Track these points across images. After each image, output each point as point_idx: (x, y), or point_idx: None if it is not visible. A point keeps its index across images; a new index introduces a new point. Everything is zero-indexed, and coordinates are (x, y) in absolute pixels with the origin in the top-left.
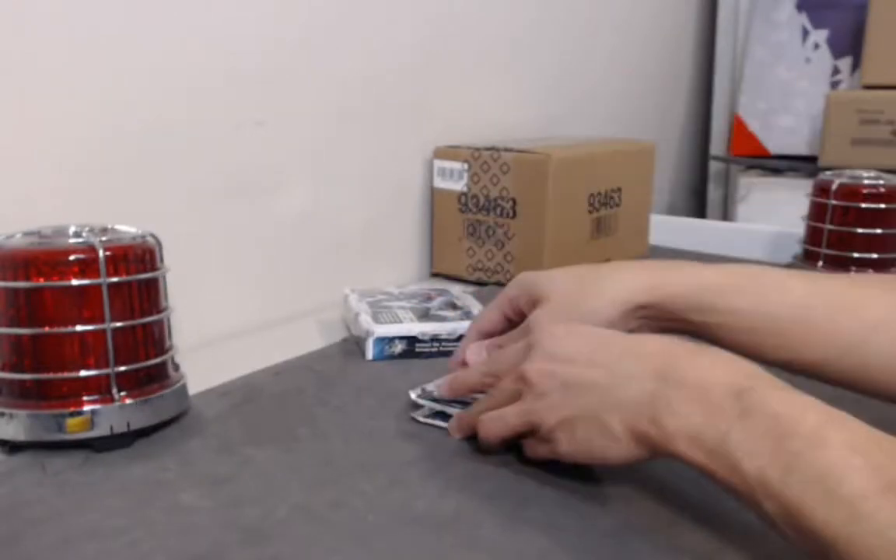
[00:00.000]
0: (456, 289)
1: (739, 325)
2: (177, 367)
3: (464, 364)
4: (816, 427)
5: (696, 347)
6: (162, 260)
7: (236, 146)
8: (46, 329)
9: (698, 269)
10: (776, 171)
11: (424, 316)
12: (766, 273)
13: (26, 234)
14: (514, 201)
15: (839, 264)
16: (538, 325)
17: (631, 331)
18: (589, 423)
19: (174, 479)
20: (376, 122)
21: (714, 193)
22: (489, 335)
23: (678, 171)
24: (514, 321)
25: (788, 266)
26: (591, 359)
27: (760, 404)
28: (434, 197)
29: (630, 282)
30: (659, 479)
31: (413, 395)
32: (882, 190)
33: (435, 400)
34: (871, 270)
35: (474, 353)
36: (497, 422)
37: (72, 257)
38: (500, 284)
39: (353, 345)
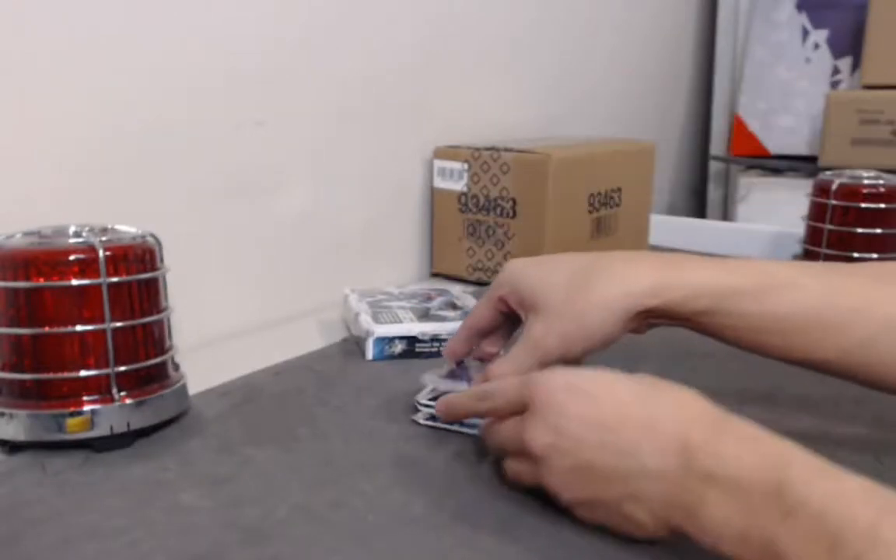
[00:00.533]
0: (456, 289)
1: (750, 326)
2: (177, 367)
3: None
4: (869, 525)
5: (716, 419)
6: (162, 260)
7: (236, 146)
8: (46, 329)
9: (707, 268)
10: (776, 171)
11: (424, 316)
12: (780, 271)
13: (26, 234)
14: (514, 201)
15: None
16: (535, 382)
17: (634, 330)
18: (610, 509)
19: (174, 479)
20: (376, 122)
21: (714, 193)
22: (483, 332)
23: (678, 171)
24: (508, 315)
25: None
26: (601, 439)
27: (802, 502)
28: (434, 197)
29: (631, 283)
30: None
31: (423, 398)
32: (882, 190)
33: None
34: None
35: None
36: (517, 474)
37: (72, 257)
38: None
39: (353, 345)
